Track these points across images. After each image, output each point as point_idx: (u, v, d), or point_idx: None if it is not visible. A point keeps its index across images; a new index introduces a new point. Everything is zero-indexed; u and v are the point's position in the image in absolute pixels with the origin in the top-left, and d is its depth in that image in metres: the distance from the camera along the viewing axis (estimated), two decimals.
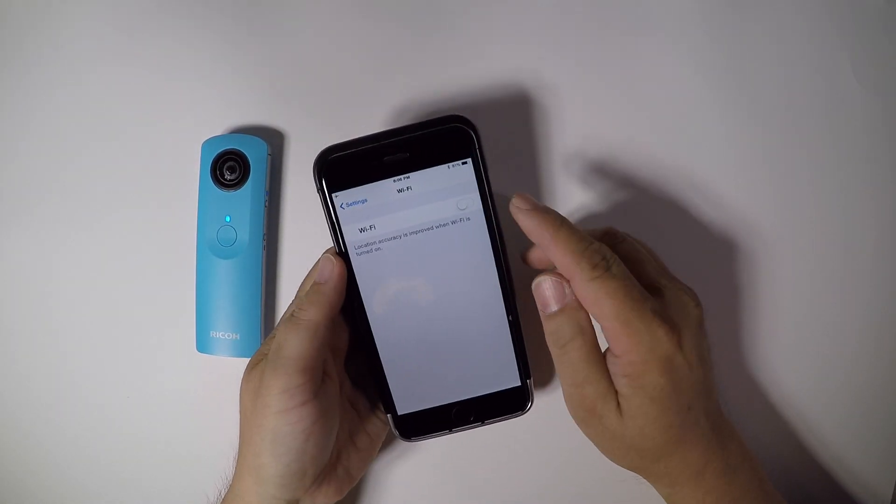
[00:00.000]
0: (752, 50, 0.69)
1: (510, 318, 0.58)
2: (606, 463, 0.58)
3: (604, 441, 0.57)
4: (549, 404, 0.61)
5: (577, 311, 0.55)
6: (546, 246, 0.55)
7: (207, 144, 0.67)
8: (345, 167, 0.56)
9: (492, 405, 0.60)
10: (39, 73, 0.71)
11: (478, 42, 0.70)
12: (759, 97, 0.69)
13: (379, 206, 0.56)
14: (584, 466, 0.67)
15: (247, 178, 0.66)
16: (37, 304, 0.71)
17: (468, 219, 0.56)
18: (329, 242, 0.58)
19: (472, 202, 0.56)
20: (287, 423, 0.54)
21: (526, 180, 0.69)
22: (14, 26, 0.71)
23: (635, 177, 0.69)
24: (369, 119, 0.69)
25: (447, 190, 0.56)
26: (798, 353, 0.69)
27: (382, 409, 0.61)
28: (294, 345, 0.54)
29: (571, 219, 0.67)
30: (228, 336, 0.67)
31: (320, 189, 0.56)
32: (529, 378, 0.60)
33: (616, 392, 0.54)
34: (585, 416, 0.56)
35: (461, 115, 0.56)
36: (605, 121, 0.69)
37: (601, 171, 0.69)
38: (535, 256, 0.59)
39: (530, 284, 0.57)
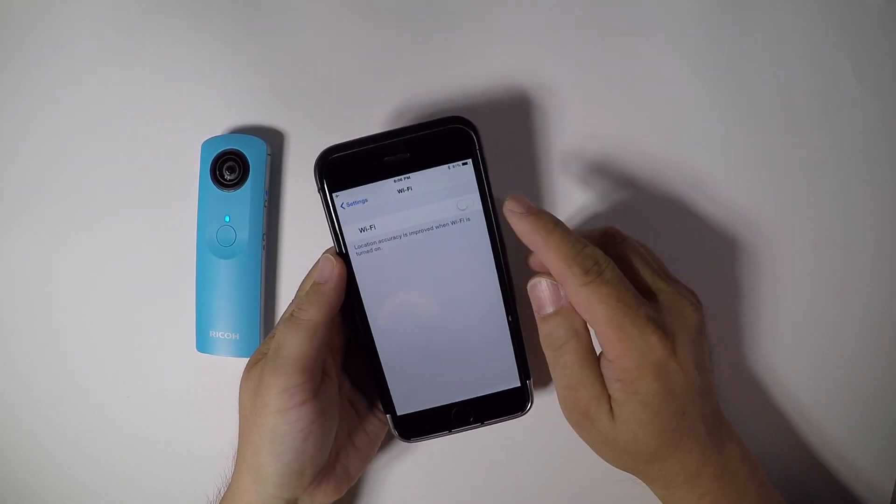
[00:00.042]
0: (752, 50, 0.69)
1: (510, 318, 0.58)
2: (605, 463, 0.58)
3: (597, 444, 0.57)
4: (548, 405, 0.61)
5: (572, 313, 0.55)
6: (538, 250, 0.54)
7: (207, 144, 0.67)
8: (345, 167, 0.56)
9: (491, 406, 0.60)
10: (39, 73, 0.71)
11: (478, 42, 0.70)
12: (759, 97, 0.69)
13: (379, 206, 0.56)
14: (584, 467, 0.67)
15: (246, 178, 0.66)
16: (37, 304, 0.71)
17: (468, 219, 0.56)
18: (328, 242, 0.58)
19: (473, 203, 0.56)
20: (286, 422, 0.54)
21: (526, 180, 0.69)
22: (14, 26, 0.71)
23: (635, 177, 0.69)
24: (369, 119, 0.69)
25: (447, 190, 0.56)
26: (798, 352, 0.69)
27: (382, 409, 0.61)
28: (293, 344, 0.54)
29: (572, 219, 0.67)
30: (228, 336, 0.67)
31: (321, 189, 0.56)
32: (529, 379, 0.60)
33: (609, 396, 0.54)
34: (579, 419, 0.56)
35: (461, 115, 0.56)
36: (605, 121, 0.69)
37: (601, 171, 0.69)
38: (535, 261, 0.59)
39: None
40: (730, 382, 0.68)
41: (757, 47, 0.69)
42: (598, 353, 0.56)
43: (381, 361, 0.59)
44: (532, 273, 0.57)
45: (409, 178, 0.56)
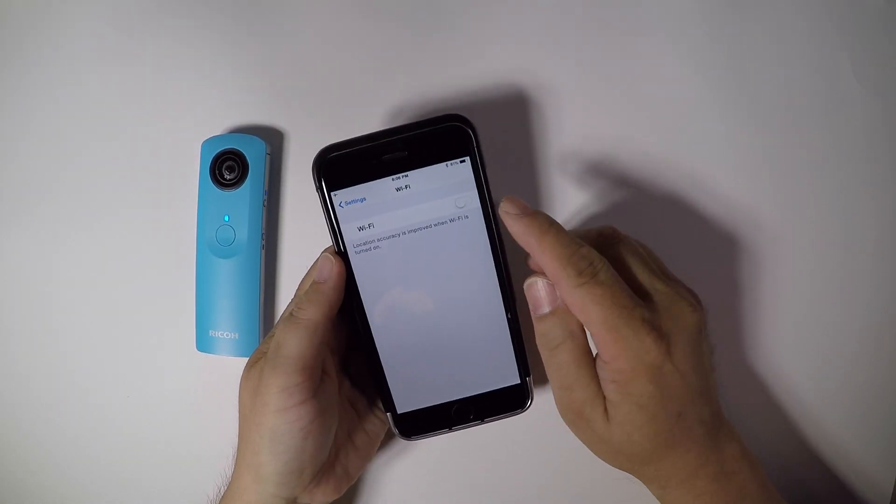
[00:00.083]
0: (752, 50, 0.69)
1: (509, 316, 0.58)
2: (604, 462, 0.58)
3: (593, 444, 0.57)
4: (548, 402, 0.61)
5: (567, 314, 0.54)
6: (533, 252, 0.54)
7: (207, 144, 0.67)
8: (343, 166, 0.56)
9: (491, 403, 0.60)
10: (39, 73, 0.71)
11: (477, 42, 0.70)
12: (759, 97, 0.69)
13: (378, 204, 0.56)
14: (583, 465, 0.67)
15: (246, 178, 0.66)
16: (37, 304, 0.71)
17: (466, 217, 0.56)
18: (327, 241, 0.58)
19: (471, 200, 0.56)
20: (286, 421, 0.54)
21: (525, 179, 0.69)
22: (14, 26, 0.71)
23: (635, 176, 0.69)
24: (369, 119, 0.69)
25: (446, 188, 0.56)
26: (799, 351, 0.69)
27: (381, 407, 0.61)
28: (293, 344, 0.54)
29: (571, 219, 0.67)
30: (228, 335, 0.67)
31: (319, 188, 0.56)
32: (529, 376, 0.60)
33: (604, 397, 0.54)
34: (574, 419, 0.56)
35: (459, 113, 0.56)
36: (604, 121, 0.69)
37: (600, 171, 0.69)
38: (535, 262, 0.58)
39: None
40: (730, 382, 0.68)
41: (757, 47, 0.69)
42: (594, 354, 0.56)
43: (381, 360, 0.59)
44: (530, 273, 0.57)
45: (407, 176, 0.56)
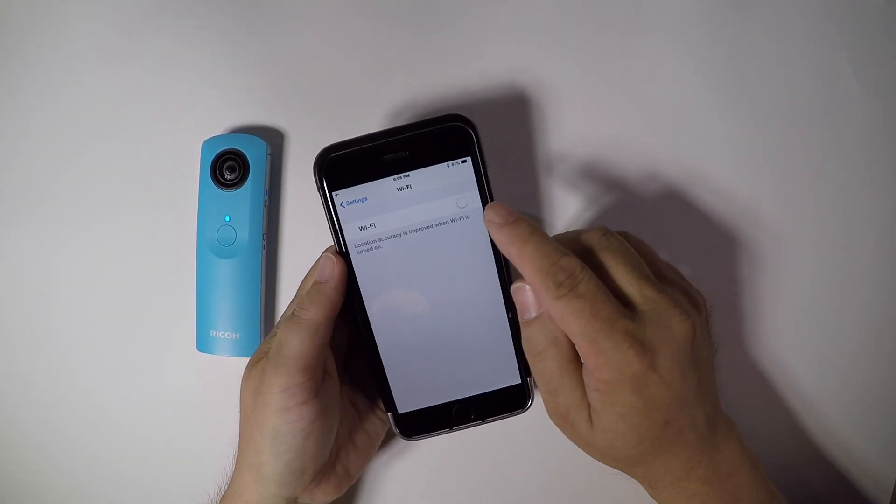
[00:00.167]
0: (752, 50, 0.69)
1: (510, 316, 0.58)
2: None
3: (579, 445, 0.56)
4: None
5: (552, 321, 0.53)
6: (514, 262, 0.54)
7: (207, 144, 0.67)
8: (345, 166, 0.56)
9: (492, 403, 0.60)
10: (39, 73, 0.71)
11: (478, 42, 0.70)
12: (759, 97, 0.69)
13: (379, 204, 0.56)
14: (584, 466, 0.66)
15: (246, 178, 0.66)
16: (37, 304, 0.71)
17: (468, 217, 0.56)
18: (328, 241, 0.58)
19: (472, 200, 0.56)
20: (287, 421, 0.54)
21: (525, 179, 0.69)
22: (14, 26, 0.71)
23: (635, 176, 0.69)
24: (369, 119, 0.69)
25: (447, 188, 0.56)
26: (799, 351, 0.69)
27: (382, 407, 0.61)
28: (295, 344, 0.54)
29: (571, 218, 0.67)
30: (228, 335, 0.67)
31: (320, 188, 0.56)
32: (530, 376, 0.60)
33: (588, 404, 0.54)
34: (560, 422, 0.56)
35: (461, 113, 0.56)
36: (604, 121, 0.69)
37: (600, 171, 0.69)
38: None
39: None
40: (731, 381, 0.68)
41: (757, 47, 0.69)
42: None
43: (382, 360, 0.59)
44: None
45: (408, 176, 0.56)
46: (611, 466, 0.57)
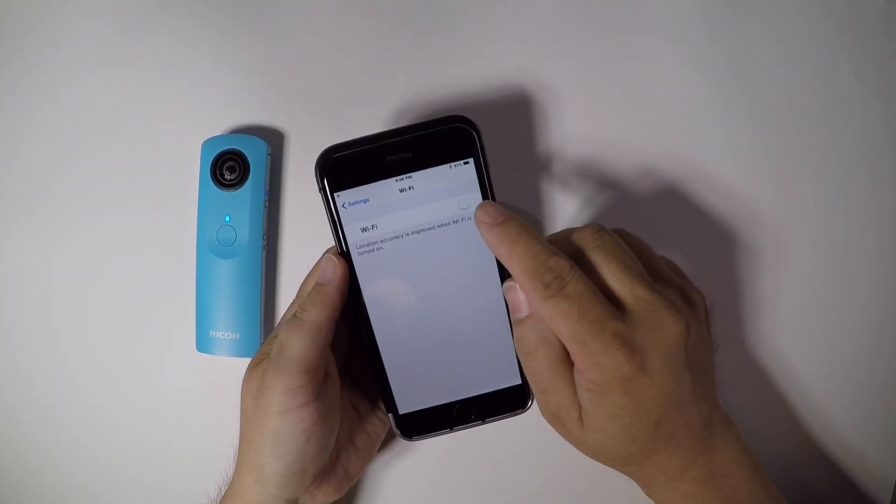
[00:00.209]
0: (752, 50, 0.69)
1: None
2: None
3: (572, 443, 0.56)
4: None
5: (542, 320, 0.53)
6: (503, 262, 0.54)
7: (207, 144, 0.67)
8: (347, 167, 0.56)
9: (493, 404, 0.60)
10: (39, 73, 0.71)
11: (478, 42, 0.70)
12: (759, 97, 0.69)
13: (381, 205, 0.56)
14: (584, 466, 0.66)
15: (246, 178, 0.66)
16: (37, 304, 0.71)
17: (470, 218, 0.56)
18: (329, 242, 0.58)
19: (474, 202, 0.56)
20: (288, 423, 0.54)
21: (526, 179, 0.69)
22: (14, 26, 0.71)
23: (635, 176, 0.69)
24: (369, 119, 0.69)
25: (449, 189, 0.56)
26: (799, 350, 0.69)
27: (383, 408, 0.61)
28: (297, 345, 0.54)
29: (571, 218, 0.67)
30: (228, 336, 0.67)
31: (322, 189, 0.56)
32: None
33: (579, 404, 0.53)
34: (552, 421, 0.56)
35: (463, 115, 0.56)
36: (604, 121, 0.69)
37: (600, 171, 0.69)
38: None
39: None
40: (731, 380, 0.68)
41: (757, 47, 0.69)
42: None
43: (384, 361, 0.59)
44: None
45: (410, 177, 0.56)
46: (605, 464, 0.57)
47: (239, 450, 0.59)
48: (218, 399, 0.69)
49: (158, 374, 0.71)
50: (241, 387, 0.58)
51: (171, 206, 0.70)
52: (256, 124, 0.70)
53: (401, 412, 0.60)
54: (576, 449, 0.56)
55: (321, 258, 0.57)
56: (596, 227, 0.56)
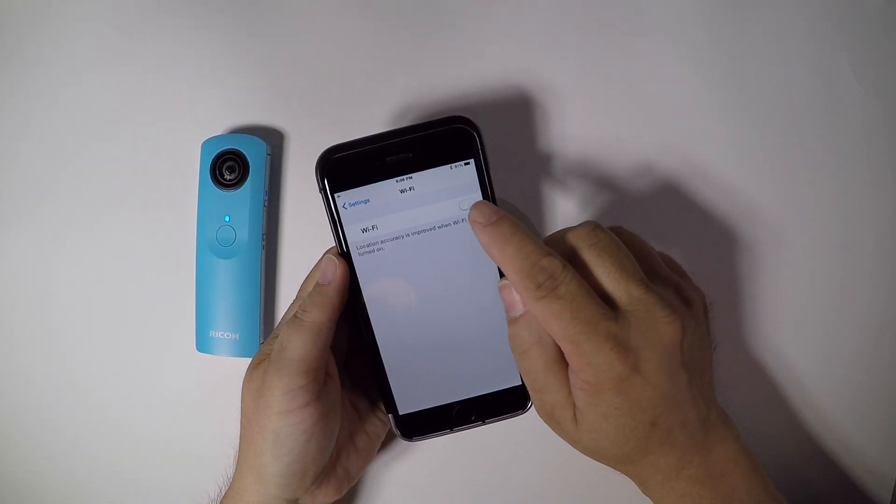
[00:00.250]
0: (752, 50, 0.69)
1: None
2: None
3: (568, 442, 0.56)
4: None
5: (536, 320, 0.53)
6: (497, 263, 0.53)
7: (207, 144, 0.67)
8: (347, 167, 0.56)
9: (493, 404, 0.60)
10: (39, 73, 0.71)
11: (478, 42, 0.70)
12: (759, 97, 0.69)
13: (381, 206, 0.56)
14: (584, 466, 0.66)
15: (246, 178, 0.66)
16: (37, 304, 0.71)
17: None
18: (328, 242, 0.58)
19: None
20: (289, 423, 0.54)
21: (526, 180, 0.69)
22: (14, 26, 0.71)
23: (635, 176, 0.69)
24: (369, 119, 0.69)
25: (450, 190, 0.56)
26: (799, 349, 0.69)
27: (383, 409, 0.61)
28: (297, 346, 0.54)
29: (571, 217, 0.67)
30: (228, 336, 0.67)
31: (322, 189, 0.56)
32: None
33: (574, 403, 0.53)
34: (547, 419, 0.56)
35: (464, 115, 0.56)
36: (605, 121, 0.69)
37: (601, 171, 0.69)
38: None
39: None
40: (731, 380, 0.68)
41: (757, 47, 0.69)
42: None
43: (384, 361, 0.59)
44: None
45: (411, 178, 0.56)
46: (600, 462, 0.57)
47: (239, 450, 0.59)
48: (218, 399, 0.69)
49: (158, 374, 0.71)
50: (241, 387, 0.58)
51: (170, 206, 0.70)
52: (256, 124, 0.70)
53: (401, 413, 0.60)
54: (573, 447, 0.56)
55: (321, 259, 0.58)
56: (591, 225, 0.55)
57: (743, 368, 0.69)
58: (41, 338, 0.71)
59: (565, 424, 0.54)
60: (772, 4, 0.69)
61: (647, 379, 0.51)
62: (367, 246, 0.57)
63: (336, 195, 0.56)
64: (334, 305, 0.56)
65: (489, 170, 0.56)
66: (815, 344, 0.69)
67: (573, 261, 0.53)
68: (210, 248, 0.67)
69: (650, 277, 0.55)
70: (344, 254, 0.57)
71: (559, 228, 0.62)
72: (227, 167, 0.66)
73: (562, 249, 0.54)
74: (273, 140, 0.69)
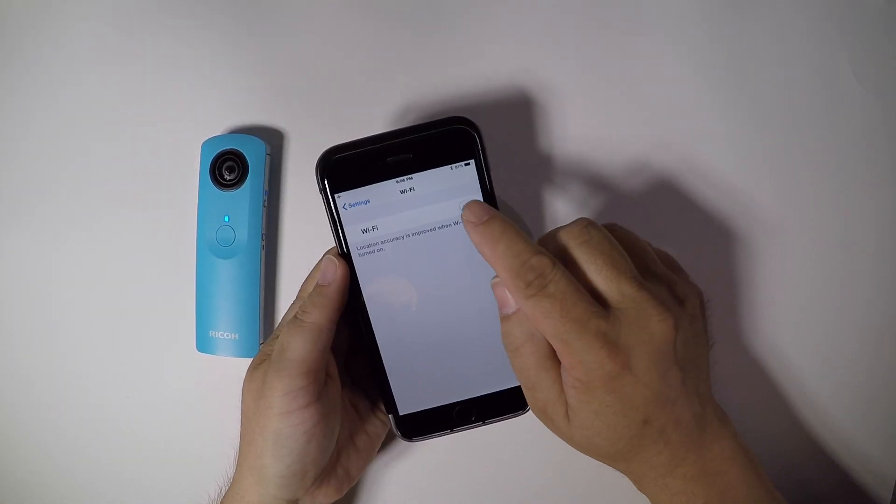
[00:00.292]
0: (752, 50, 0.69)
1: None
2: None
3: (561, 438, 0.56)
4: None
5: (527, 317, 0.53)
6: (487, 262, 0.54)
7: (207, 144, 0.67)
8: (348, 168, 0.56)
9: (493, 405, 0.60)
10: (39, 73, 0.71)
11: (478, 42, 0.70)
12: (759, 97, 0.69)
13: (382, 206, 0.56)
14: (584, 466, 0.66)
15: (246, 178, 0.66)
16: (37, 304, 0.71)
17: None
18: (328, 242, 0.58)
19: None
20: (289, 424, 0.54)
21: (527, 180, 0.69)
22: (14, 26, 0.71)
23: (634, 176, 0.69)
24: (369, 119, 0.69)
25: (450, 191, 0.56)
26: (798, 351, 0.69)
27: (383, 409, 0.61)
28: (298, 347, 0.54)
29: (570, 216, 0.67)
30: (228, 336, 0.67)
31: (323, 190, 0.56)
32: None
33: (566, 401, 0.53)
34: (540, 416, 0.56)
35: (464, 116, 0.56)
36: (605, 121, 0.69)
37: (601, 170, 0.69)
38: None
39: None
40: (730, 379, 0.68)
41: (757, 47, 0.69)
42: None
43: (384, 362, 0.59)
44: None
45: (411, 178, 0.56)
46: (595, 460, 0.57)
47: (239, 451, 0.59)
48: (218, 399, 0.69)
49: (158, 374, 0.71)
50: (241, 387, 0.58)
51: (170, 206, 0.70)
52: (256, 124, 0.70)
53: (401, 413, 0.60)
54: (568, 445, 0.57)
55: (322, 259, 0.58)
56: (584, 222, 0.55)
57: (743, 368, 0.69)
58: (41, 338, 0.71)
59: (558, 421, 0.54)
60: (772, 4, 0.69)
61: (638, 377, 0.51)
62: (368, 246, 0.57)
63: (336, 196, 0.56)
64: (335, 306, 0.56)
65: (489, 170, 0.56)
66: (815, 344, 0.69)
67: (566, 259, 0.53)
68: (210, 248, 0.67)
69: (644, 274, 0.55)
70: (344, 254, 0.57)
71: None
72: (226, 167, 0.66)
73: (554, 248, 0.54)
74: (273, 140, 0.69)
